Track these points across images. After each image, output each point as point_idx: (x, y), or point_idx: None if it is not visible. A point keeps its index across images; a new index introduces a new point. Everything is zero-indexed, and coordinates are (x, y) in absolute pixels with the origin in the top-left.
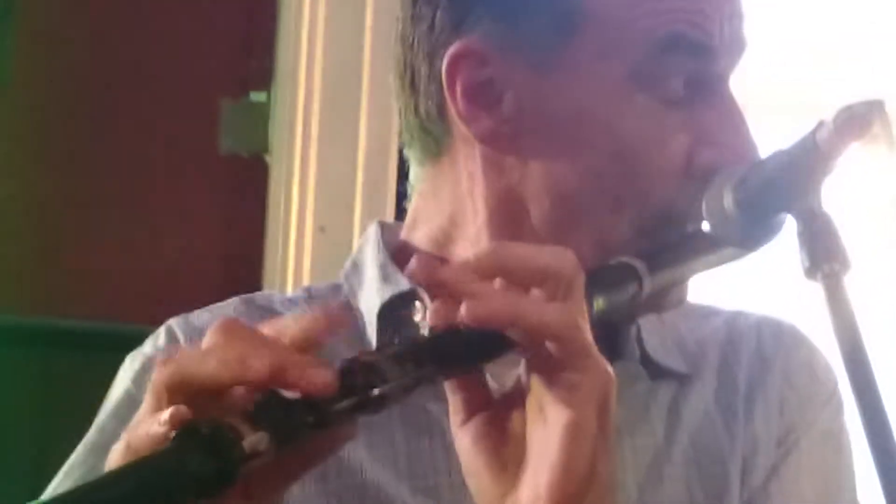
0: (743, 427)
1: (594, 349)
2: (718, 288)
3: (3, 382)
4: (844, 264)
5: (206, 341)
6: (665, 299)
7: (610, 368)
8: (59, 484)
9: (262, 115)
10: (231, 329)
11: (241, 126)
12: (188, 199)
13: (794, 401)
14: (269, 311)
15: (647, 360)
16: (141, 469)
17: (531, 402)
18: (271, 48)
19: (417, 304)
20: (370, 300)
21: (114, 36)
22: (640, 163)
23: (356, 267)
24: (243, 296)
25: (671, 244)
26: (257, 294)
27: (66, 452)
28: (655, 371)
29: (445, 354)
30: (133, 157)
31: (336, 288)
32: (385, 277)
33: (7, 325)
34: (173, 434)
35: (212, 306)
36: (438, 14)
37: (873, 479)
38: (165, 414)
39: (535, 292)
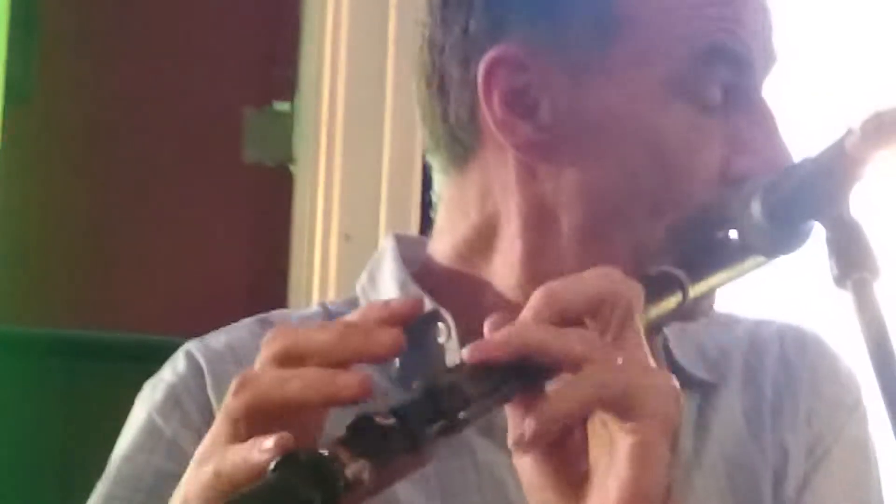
0: (771, 437)
1: (652, 377)
2: (745, 296)
3: (30, 393)
4: (874, 272)
5: (264, 355)
6: (696, 308)
7: (675, 383)
8: None
9: (286, 125)
10: (293, 339)
11: (265, 135)
12: (212, 209)
13: (822, 410)
14: None
15: (674, 369)
16: (248, 499)
17: (594, 421)
18: (295, 57)
19: (441, 325)
20: None
21: (137, 46)
22: (677, 169)
23: (373, 281)
24: (259, 316)
25: (704, 252)
26: (273, 313)
27: (92, 463)
28: (682, 380)
29: (521, 370)
30: (156, 168)
31: (353, 302)
32: (405, 296)
33: (34, 336)
34: (273, 463)
35: (228, 328)
36: (473, 19)
37: None
38: (269, 442)
39: (589, 329)
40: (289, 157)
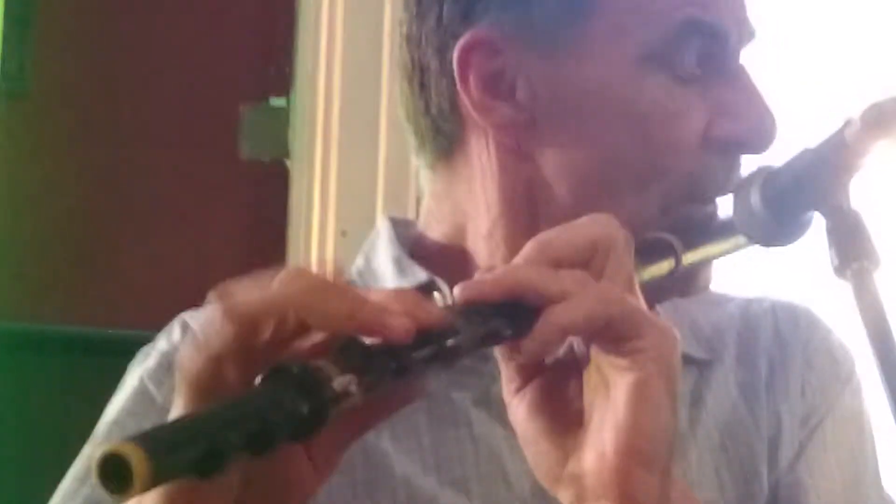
0: (766, 409)
1: (648, 314)
2: (744, 285)
3: (25, 390)
4: (874, 262)
5: (280, 281)
6: (694, 282)
7: (670, 326)
8: (72, 488)
9: (282, 121)
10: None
11: (262, 131)
12: (209, 205)
13: (815, 382)
14: None
15: None
16: (237, 405)
17: (590, 368)
18: (290, 53)
19: (437, 294)
20: None
21: (133, 43)
22: (659, 139)
23: (368, 263)
24: None
25: (696, 226)
26: None
27: None
28: None
29: (510, 309)
30: (153, 164)
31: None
32: (401, 271)
33: (30, 332)
34: (262, 374)
35: None
36: (445, 7)
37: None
38: None
39: (580, 272)
40: (285, 153)
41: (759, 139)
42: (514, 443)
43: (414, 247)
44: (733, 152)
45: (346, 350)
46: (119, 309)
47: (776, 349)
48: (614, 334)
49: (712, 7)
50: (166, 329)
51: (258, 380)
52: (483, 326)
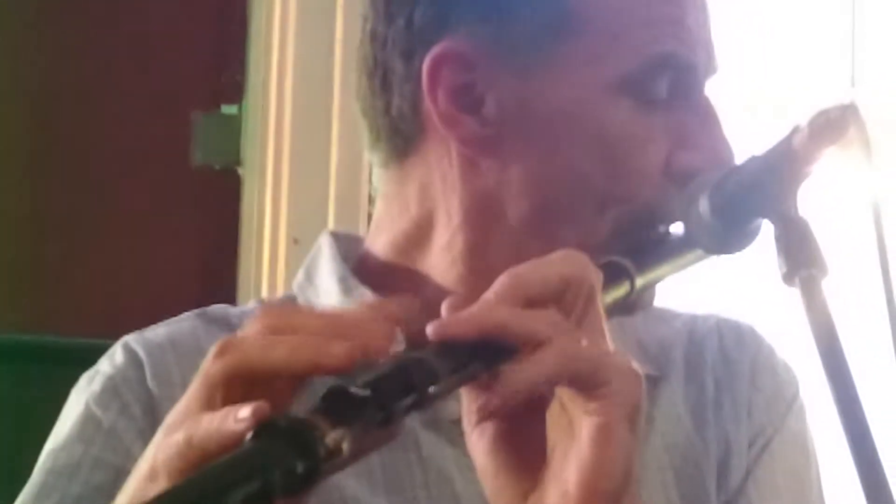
0: (714, 430)
1: (615, 357)
2: (693, 292)
3: None
4: (822, 269)
5: (253, 328)
6: (638, 302)
7: (635, 367)
8: None
9: (233, 128)
10: (287, 316)
11: (214, 139)
12: (161, 213)
13: (761, 403)
14: (225, 324)
15: None
16: (234, 466)
17: (553, 405)
18: (242, 61)
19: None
20: None
21: (85, 51)
22: (623, 164)
23: (310, 279)
24: (198, 310)
25: (647, 246)
26: (211, 308)
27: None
28: None
29: (485, 349)
30: (105, 172)
31: (290, 300)
32: (346, 291)
33: None
34: (252, 431)
35: (166, 321)
36: (417, 12)
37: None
38: (245, 411)
39: (553, 313)
40: (237, 161)
41: (716, 171)
42: (464, 464)
43: (359, 265)
44: (689, 182)
45: (332, 399)
46: (71, 316)
47: (722, 368)
48: (582, 384)
49: (688, 42)
50: (108, 353)
51: (249, 435)
52: (461, 371)
